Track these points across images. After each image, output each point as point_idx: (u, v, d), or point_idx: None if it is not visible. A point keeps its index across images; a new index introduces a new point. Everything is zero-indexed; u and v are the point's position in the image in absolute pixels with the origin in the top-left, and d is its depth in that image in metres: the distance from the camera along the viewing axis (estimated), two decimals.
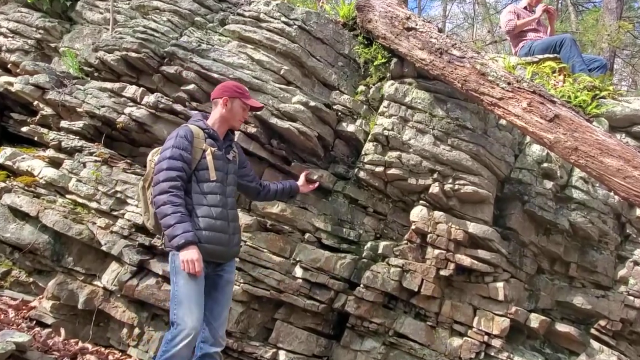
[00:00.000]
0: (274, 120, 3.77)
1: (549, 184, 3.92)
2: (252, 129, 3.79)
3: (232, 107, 2.80)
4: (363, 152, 3.86)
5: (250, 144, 3.83)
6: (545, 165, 3.98)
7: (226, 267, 2.79)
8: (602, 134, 3.01)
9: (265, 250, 3.71)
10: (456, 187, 3.70)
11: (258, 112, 3.65)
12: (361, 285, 3.68)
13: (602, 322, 3.80)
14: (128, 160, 4.01)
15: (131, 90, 3.97)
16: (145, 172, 2.83)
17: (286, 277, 3.68)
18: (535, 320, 3.71)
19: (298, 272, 3.71)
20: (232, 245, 2.75)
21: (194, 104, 3.89)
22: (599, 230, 3.94)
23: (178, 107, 3.85)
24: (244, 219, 3.78)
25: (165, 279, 3.67)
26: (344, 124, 3.95)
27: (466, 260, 3.67)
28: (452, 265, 3.68)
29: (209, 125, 2.76)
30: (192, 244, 2.50)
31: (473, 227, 3.72)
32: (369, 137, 3.89)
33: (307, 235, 3.80)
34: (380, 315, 3.75)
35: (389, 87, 3.95)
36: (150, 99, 3.85)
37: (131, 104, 3.94)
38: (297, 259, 3.72)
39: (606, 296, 3.86)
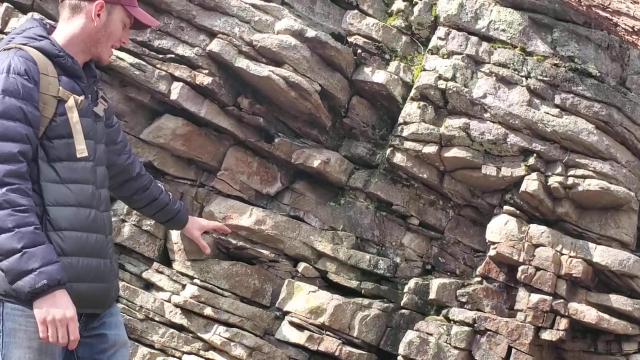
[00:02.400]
0: (242, 63, 3.63)
1: None
2: (204, 78, 3.62)
3: (109, 20, 2.58)
4: (401, 120, 3.75)
5: (201, 105, 3.68)
6: None
7: (107, 318, 2.66)
8: None
9: (227, 293, 3.66)
10: (570, 181, 3.58)
11: (215, 51, 3.55)
12: (399, 358, 3.55)
13: None
14: None
15: None
16: None
17: (264, 341, 3.54)
18: None
19: (286, 332, 3.59)
20: (115, 275, 2.67)
21: None
22: None
23: None
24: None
25: None
26: (367, 70, 3.83)
27: (589, 314, 3.51)
28: (563, 323, 3.52)
29: (63, 48, 2.53)
30: (59, 287, 2.30)
31: (601, 254, 3.56)
32: (412, 92, 3.77)
33: (301, 267, 3.72)
34: None
35: (447, 2, 3.88)
36: (20, 22, 3.62)
37: None
38: (284, 309, 3.61)
39: None
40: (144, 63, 3.52)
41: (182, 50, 3.56)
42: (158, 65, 3.55)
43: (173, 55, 3.56)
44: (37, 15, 3.59)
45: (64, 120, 2.44)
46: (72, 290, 2.38)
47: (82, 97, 2.49)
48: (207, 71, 3.61)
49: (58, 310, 2.28)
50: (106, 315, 2.65)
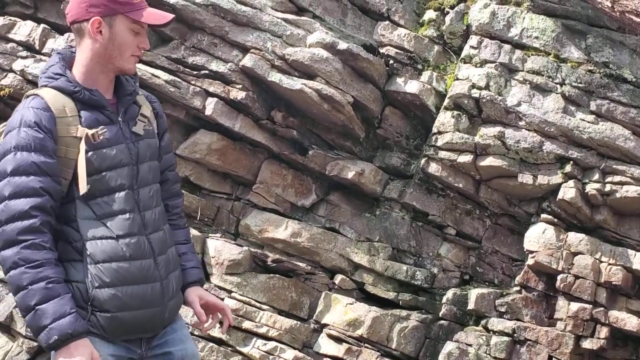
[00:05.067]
0: (275, 77, 3.74)
1: None
2: (238, 93, 3.75)
3: (113, 33, 2.49)
4: (435, 129, 3.82)
5: (235, 120, 3.80)
6: None
7: (170, 335, 2.62)
8: None
9: (265, 306, 3.71)
10: (608, 188, 3.61)
11: (248, 65, 3.67)
12: None
13: None
14: None
15: (25, 29, 4.02)
16: None
17: (303, 354, 3.61)
18: None
19: (324, 344, 3.66)
20: (168, 296, 2.58)
21: None
22: None
23: None
24: (228, 251, 3.72)
25: None
26: (400, 81, 3.91)
27: (630, 322, 3.52)
28: (604, 331, 3.53)
29: (80, 82, 2.50)
30: (72, 339, 2.33)
31: None
32: (446, 102, 3.84)
33: (338, 279, 3.79)
34: None
35: (479, 10, 3.88)
36: (58, 44, 3.82)
37: (25, 53, 3.99)
38: (322, 321, 3.67)
39: None
40: (179, 80, 3.68)
41: (215, 66, 3.71)
42: (192, 82, 3.70)
43: (207, 71, 3.71)
44: (61, 44, 3.76)
45: (90, 158, 2.45)
46: (117, 320, 2.45)
47: (102, 129, 2.44)
48: (240, 86, 3.73)
49: None
50: (168, 332, 2.65)
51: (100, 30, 2.46)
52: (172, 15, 2.60)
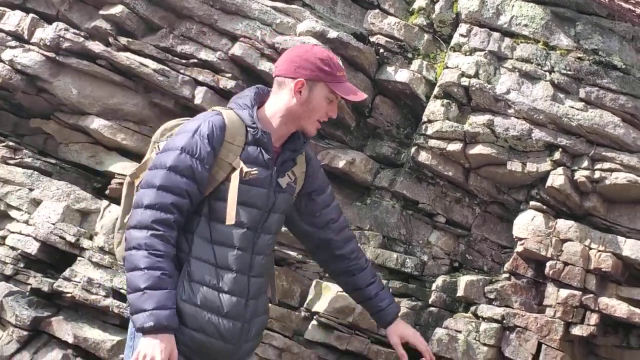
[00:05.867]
0: (265, 66, 3.76)
1: None
2: (227, 82, 3.77)
3: (311, 97, 2.74)
4: (425, 118, 3.83)
5: None
6: None
7: None
8: None
9: None
10: (597, 175, 3.61)
11: (237, 54, 3.73)
12: None
13: None
14: (10, 143, 4.07)
15: (14, 19, 4.03)
16: (139, 164, 2.90)
17: (293, 342, 3.62)
18: None
19: (315, 332, 3.68)
20: (246, 338, 2.77)
21: (124, 40, 3.85)
22: None
23: (96, 47, 3.85)
24: None
25: (79, 349, 3.64)
26: (390, 70, 3.92)
27: (620, 308, 3.51)
28: (594, 318, 3.53)
29: (258, 121, 2.71)
30: (164, 331, 2.51)
31: (631, 248, 3.56)
32: (436, 90, 3.85)
33: None
34: None
35: None
36: (47, 33, 3.85)
37: (13, 42, 4.00)
38: (313, 309, 3.68)
39: None
40: (167, 69, 3.72)
41: (204, 54, 3.75)
42: (181, 71, 3.74)
43: (196, 60, 3.75)
44: (49, 33, 3.86)
45: (226, 186, 2.64)
46: (188, 337, 2.62)
47: (254, 169, 2.63)
48: (230, 75, 3.77)
49: (153, 350, 2.48)
50: None
51: (301, 91, 2.71)
52: (365, 96, 2.91)
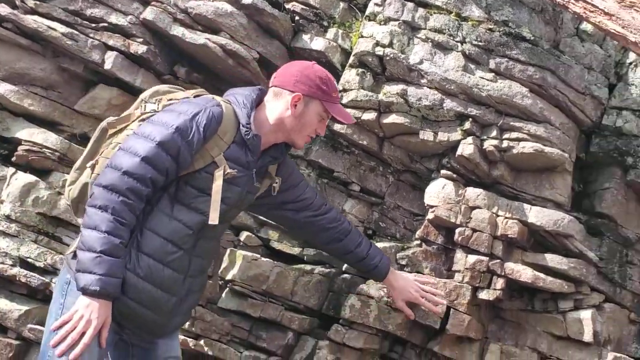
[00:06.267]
0: (178, 31, 3.73)
1: None
2: (138, 47, 3.73)
3: (305, 112, 2.85)
4: (340, 87, 3.84)
5: (136, 74, 3.79)
6: None
7: (162, 341, 2.87)
8: None
9: None
10: (505, 144, 3.72)
11: (149, 18, 3.70)
12: (341, 321, 3.66)
13: None
14: None
15: None
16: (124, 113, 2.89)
17: (206, 310, 3.63)
18: None
19: (228, 300, 3.70)
20: (177, 312, 2.83)
21: (32, 3, 3.69)
22: None
23: (2, 10, 3.71)
24: None
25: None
26: (306, 38, 3.95)
27: (525, 273, 3.64)
28: (500, 282, 3.65)
29: (252, 126, 2.78)
30: (106, 298, 2.53)
31: (536, 215, 3.69)
32: (351, 59, 3.89)
33: (244, 236, 3.82)
34: None
35: None
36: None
37: None
38: (227, 278, 3.69)
39: None
40: (77, 32, 3.62)
41: (115, 18, 3.67)
42: (91, 35, 3.65)
43: (106, 24, 3.66)
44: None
45: (205, 178, 2.69)
46: (124, 304, 2.62)
47: (235, 170, 2.72)
48: (141, 40, 3.72)
49: (91, 314, 2.47)
50: (161, 341, 2.85)
51: (296, 105, 2.80)
52: (354, 120, 3.10)
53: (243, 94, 2.85)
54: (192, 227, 2.71)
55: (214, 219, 2.69)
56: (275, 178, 2.98)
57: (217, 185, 2.69)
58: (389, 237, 3.90)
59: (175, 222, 2.69)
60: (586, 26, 3.95)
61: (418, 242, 3.79)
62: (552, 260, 3.66)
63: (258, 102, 2.87)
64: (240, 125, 2.73)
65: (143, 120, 2.73)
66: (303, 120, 2.84)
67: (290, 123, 2.82)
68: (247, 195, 2.85)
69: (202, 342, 3.59)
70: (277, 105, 2.83)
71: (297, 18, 3.91)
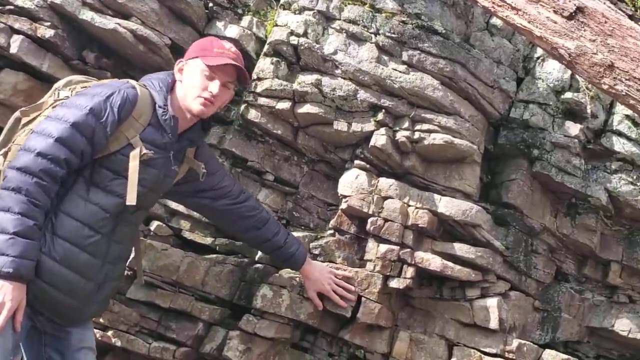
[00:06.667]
0: (87, 16, 3.65)
1: (574, 129, 3.99)
2: (45, 31, 3.62)
3: (189, 73, 2.87)
4: (255, 76, 3.85)
5: (43, 59, 3.67)
6: (568, 96, 4.04)
7: (76, 330, 2.87)
8: None
9: None
10: (417, 135, 3.77)
11: (56, 2, 3.60)
12: (253, 311, 3.67)
13: None
14: None
15: None
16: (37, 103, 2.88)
17: (114, 301, 3.59)
18: None
19: (137, 290, 3.68)
20: (93, 299, 2.82)
21: None
22: None
23: None
24: None
25: None
26: (220, 25, 3.93)
27: (434, 262, 3.71)
28: (410, 271, 3.71)
29: (168, 107, 2.81)
30: (20, 280, 2.51)
31: (446, 205, 3.76)
32: (265, 48, 3.89)
33: (154, 225, 3.80)
34: None
35: None
36: None
37: None
38: (135, 268, 3.56)
39: None
40: None
41: (21, 1, 3.55)
42: None
43: (12, 7, 3.54)
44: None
45: (120, 160, 2.69)
46: (39, 289, 2.61)
47: (151, 152, 2.73)
48: (49, 23, 3.61)
49: (5, 297, 2.45)
50: (75, 330, 2.83)
51: (182, 69, 2.86)
52: (229, 61, 2.87)
53: (158, 77, 2.88)
54: (108, 210, 2.72)
55: (131, 199, 2.70)
56: (196, 162, 2.99)
57: (134, 165, 2.70)
58: (302, 227, 3.92)
59: (92, 206, 2.69)
60: (496, 21, 4.01)
61: (331, 231, 3.83)
62: (461, 249, 3.74)
63: (173, 86, 2.88)
64: (157, 106, 2.75)
65: (56, 106, 2.73)
66: (189, 82, 2.84)
67: (180, 91, 2.85)
68: (165, 179, 2.86)
69: (109, 333, 3.55)
70: (177, 78, 2.91)
71: (210, 5, 3.87)
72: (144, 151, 2.72)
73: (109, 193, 2.72)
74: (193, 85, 2.83)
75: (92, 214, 2.70)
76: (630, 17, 3.29)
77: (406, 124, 3.76)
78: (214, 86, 2.85)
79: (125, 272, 3.61)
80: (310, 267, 3.43)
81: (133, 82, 2.84)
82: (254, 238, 3.32)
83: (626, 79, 2.98)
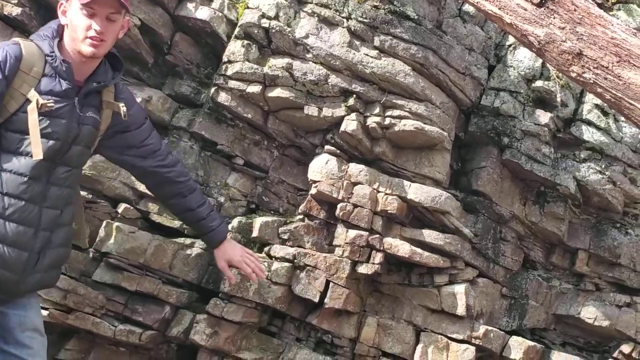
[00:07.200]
0: None
1: (544, 117, 4.02)
2: (12, 9, 3.57)
3: (69, 15, 2.70)
4: (225, 58, 3.82)
5: (10, 37, 3.55)
6: (538, 84, 4.07)
7: (20, 304, 2.75)
8: (624, 29, 3.03)
9: None
10: (387, 121, 3.78)
11: None
12: (220, 295, 3.68)
13: (626, 348, 3.99)
14: None
15: None
16: None
17: (79, 283, 3.56)
18: (518, 348, 3.85)
19: (102, 273, 3.64)
20: (32, 270, 2.71)
21: None
22: (624, 195, 4.10)
23: None
24: None
25: None
26: (191, 6, 3.88)
27: (403, 248, 3.74)
28: (378, 257, 3.74)
29: (58, 51, 2.67)
30: None
31: (415, 191, 3.77)
32: (236, 30, 3.85)
33: (122, 208, 3.75)
34: (255, 346, 3.76)
35: None
36: None
37: None
38: (103, 250, 3.63)
39: (633, 305, 4.05)
40: None
41: None
42: None
43: None
44: None
45: (23, 119, 2.57)
46: None
47: (50, 101, 2.60)
48: (16, 1, 3.55)
49: None
50: (19, 301, 2.73)
51: (64, 11, 2.68)
52: (127, 7, 2.72)
53: (43, 27, 2.76)
54: (25, 174, 2.62)
55: (37, 153, 2.60)
56: (115, 104, 2.85)
57: (33, 119, 2.60)
58: (272, 212, 3.93)
59: (6, 174, 2.62)
60: (468, 8, 4.03)
61: (301, 216, 3.84)
62: (429, 235, 3.78)
63: (62, 33, 2.73)
64: (45, 55, 2.64)
65: None
66: (73, 24, 2.68)
67: (68, 34, 2.69)
68: (81, 127, 2.74)
69: (74, 316, 3.50)
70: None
71: None
72: (41, 102, 2.61)
73: (20, 155, 2.62)
74: (77, 26, 2.67)
75: (7, 182, 2.62)
76: (600, 5, 3.33)
77: (377, 110, 3.76)
78: (97, 23, 2.67)
79: (91, 254, 3.64)
80: (227, 243, 3.29)
81: (18, 38, 2.74)
82: (178, 205, 3.19)
83: (594, 67, 2.99)
